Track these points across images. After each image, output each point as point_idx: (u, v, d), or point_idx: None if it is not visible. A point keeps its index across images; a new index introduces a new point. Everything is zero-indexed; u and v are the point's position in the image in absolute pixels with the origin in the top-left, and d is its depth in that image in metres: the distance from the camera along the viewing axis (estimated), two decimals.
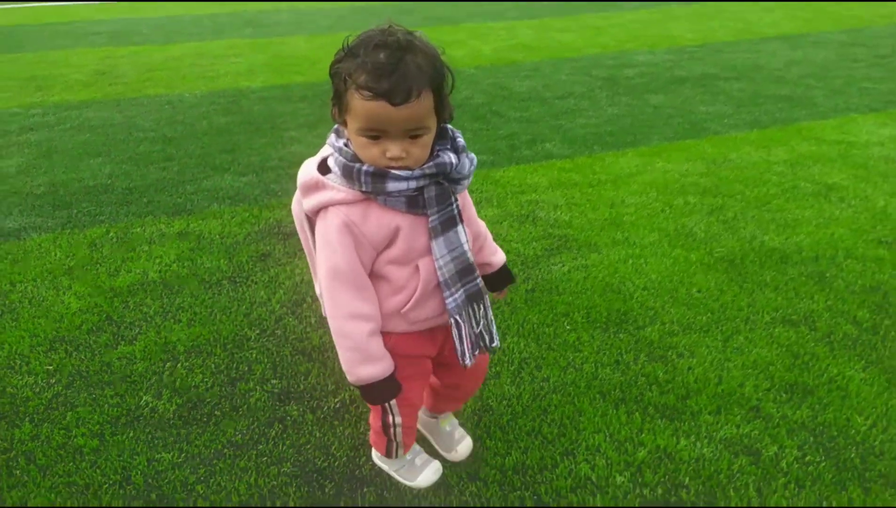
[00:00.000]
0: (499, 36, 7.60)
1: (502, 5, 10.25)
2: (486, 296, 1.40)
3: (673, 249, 2.70)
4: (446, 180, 1.26)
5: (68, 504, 1.57)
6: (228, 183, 3.49)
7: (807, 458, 1.66)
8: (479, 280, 1.38)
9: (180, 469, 1.66)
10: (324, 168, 1.25)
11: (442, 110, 1.19)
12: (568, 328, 2.19)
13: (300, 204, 1.30)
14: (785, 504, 1.53)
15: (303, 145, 4.05)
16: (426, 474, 1.61)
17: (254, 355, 2.09)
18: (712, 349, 2.08)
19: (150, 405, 1.88)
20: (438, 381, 1.61)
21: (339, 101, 1.17)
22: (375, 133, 1.15)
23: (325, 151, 1.27)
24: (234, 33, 8.17)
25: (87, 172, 3.69)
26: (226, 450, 1.72)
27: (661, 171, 3.51)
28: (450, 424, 1.73)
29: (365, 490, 1.61)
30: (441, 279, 1.31)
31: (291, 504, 1.56)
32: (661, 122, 4.36)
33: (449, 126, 1.28)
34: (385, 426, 1.49)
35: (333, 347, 2.05)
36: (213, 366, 2.04)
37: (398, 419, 1.47)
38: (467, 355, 1.36)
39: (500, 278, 1.57)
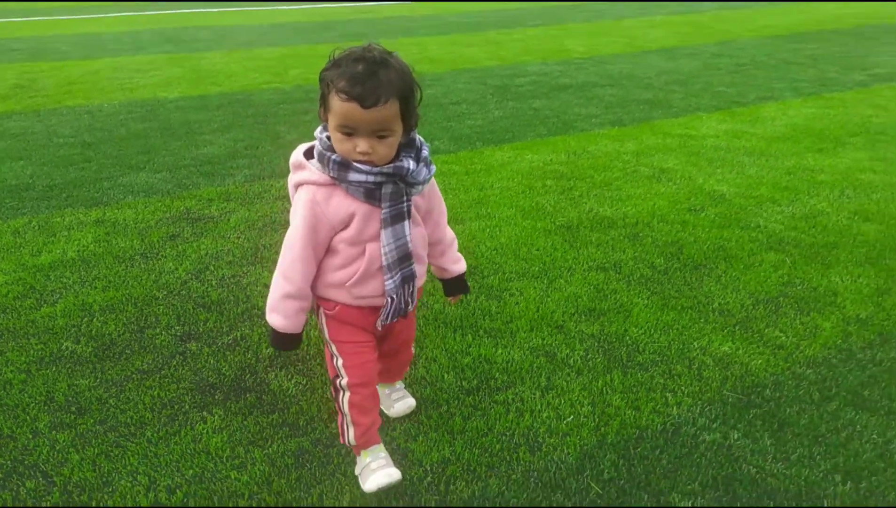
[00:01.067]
0: (409, 51, 8.15)
1: (416, 22, 10.83)
2: (416, 278, 1.60)
3: (524, 220, 3.25)
4: (402, 182, 1.46)
5: None
6: (143, 179, 3.86)
7: (588, 356, 2.20)
8: (414, 266, 1.58)
9: (96, 390, 2.06)
10: (309, 155, 1.48)
11: (408, 118, 1.41)
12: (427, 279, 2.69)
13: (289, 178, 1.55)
14: (564, 384, 2.06)
15: (216, 147, 4.44)
16: (378, 476, 1.64)
17: (161, 309, 2.50)
18: (538, 289, 2.62)
19: (70, 349, 2.26)
20: (382, 356, 1.77)
21: (324, 101, 1.40)
22: (349, 130, 1.37)
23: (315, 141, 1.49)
24: (154, 49, 8.43)
25: (10, 173, 3.98)
26: (134, 376, 2.13)
27: (529, 161, 4.09)
28: (389, 388, 1.96)
29: (247, 395, 2.04)
30: (384, 263, 1.52)
31: (199, 422, 1.99)
32: (538, 122, 4.96)
33: (419, 138, 1.51)
34: (335, 390, 1.66)
35: (230, 300, 2.49)
36: (124, 319, 2.44)
37: (345, 380, 1.62)
38: (388, 317, 1.59)
39: (455, 286, 1.78)
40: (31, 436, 1.86)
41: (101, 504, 1.63)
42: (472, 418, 1.93)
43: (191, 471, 1.73)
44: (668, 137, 4.53)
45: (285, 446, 1.82)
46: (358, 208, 1.46)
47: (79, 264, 2.85)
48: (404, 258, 1.55)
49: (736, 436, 1.83)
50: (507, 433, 1.86)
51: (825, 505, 1.61)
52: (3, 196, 3.62)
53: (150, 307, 2.51)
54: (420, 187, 1.51)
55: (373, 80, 1.33)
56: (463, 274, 1.79)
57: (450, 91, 5.99)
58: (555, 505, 1.62)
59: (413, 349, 1.91)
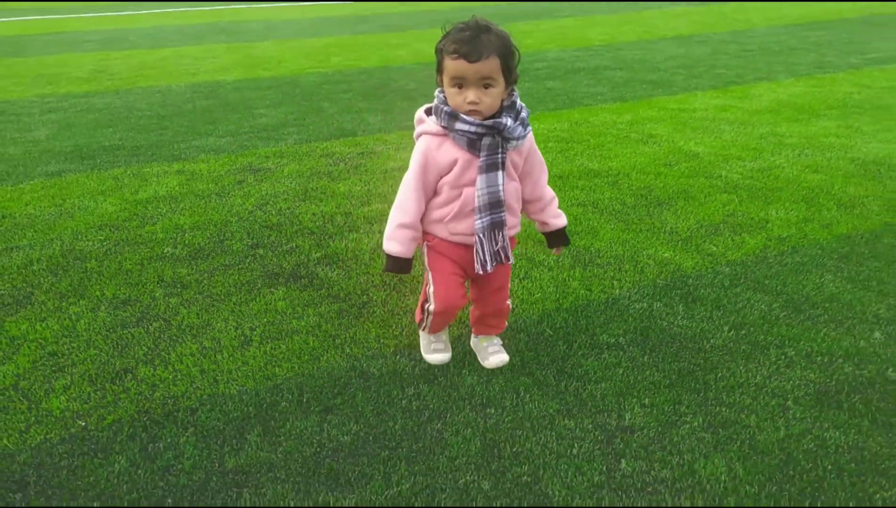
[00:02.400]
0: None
1: (447, 14, 11.51)
2: (505, 225, 1.86)
3: None
4: (499, 136, 1.74)
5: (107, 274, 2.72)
6: (211, 142, 4.64)
7: (559, 260, 2.86)
8: (504, 214, 1.84)
9: (192, 275, 2.81)
10: (428, 113, 1.82)
11: (508, 73, 1.70)
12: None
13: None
14: (537, 275, 2.73)
15: (269, 119, 5.21)
16: (433, 356, 2.14)
17: (234, 228, 3.26)
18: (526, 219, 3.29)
19: (170, 252, 3.03)
20: (474, 299, 2.11)
21: (439, 66, 1.73)
22: (459, 81, 1.68)
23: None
24: (211, 40, 9.30)
25: (102, 137, 4.82)
26: (219, 268, 2.88)
27: (536, 128, 4.73)
28: (487, 340, 2.17)
29: (302, 280, 2.77)
30: (477, 204, 1.80)
31: (269, 294, 2.72)
32: (549, 98, 5.61)
33: (521, 102, 1.79)
34: (424, 306, 2.05)
35: (286, 223, 3.22)
36: (208, 234, 3.20)
37: (432, 307, 1.97)
38: (488, 263, 1.86)
39: (556, 238, 2.04)
40: (150, 300, 2.62)
41: (205, 340, 2.38)
42: None
43: (265, 319, 2.47)
44: (663, 111, 5.13)
45: (329, 307, 2.54)
46: (461, 155, 1.77)
47: (168, 199, 3.63)
48: (495, 204, 1.81)
49: (658, 305, 2.48)
50: None
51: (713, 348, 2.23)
52: (101, 153, 4.44)
53: (227, 227, 3.27)
54: (515, 143, 1.78)
55: (476, 40, 1.65)
56: (563, 228, 2.03)
57: None
58: (520, 345, 2.30)
59: (509, 303, 2.15)
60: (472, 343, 2.21)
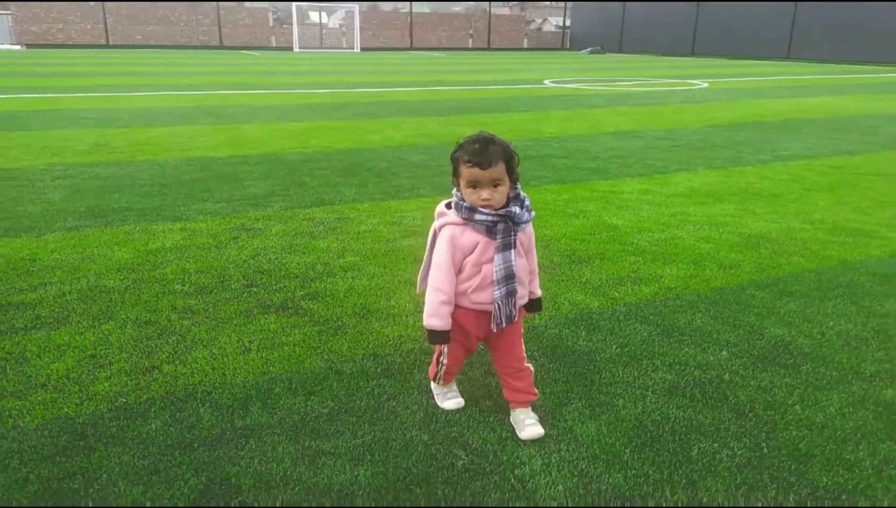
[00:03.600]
0: (410, 127, 9.88)
1: (419, 105, 12.66)
2: (517, 294, 2.24)
3: None
4: (511, 222, 2.14)
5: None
6: (208, 207, 5.38)
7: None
8: (516, 284, 2.21)
9: (200, 304, 3.47)
10: (447, 207, 2.23)
11: (512, 173, 2.12)
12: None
13: (434, 225, 2.24)
14: None
15: (258, 189, 5.99)
16: (449, 403, 2.51)
17: (232, 272, 3.94)
18: None
19: (179, 288, 3.70)
20: (496, 365, 2.45)
21: (455, 172, 2.14)
22: (474, 183, 2.09)
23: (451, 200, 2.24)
24: (200, 121, 10.20)
25: (111, 200, 5.52)
26: (221, 299, 3.55)
27: None
28: (523, 413, 2.40)
29: (289, 311, 3.45)
30: (495, 278, 2.18)
31: (262, 318, 3.40)
32: None
33: (523, 194, 2.20)
34: (438, 360, 2.44)
35: (276, 270, 3.92)
36: (210, 276, 3.87)
37: (445, 360, 2.41)
38: (503, 323, 2.24)
39: (533, 305, 2.44)
40: (167, 322, 3.27)
41: (213, 348, 3.04)
42: None
43: (261, 335, 3.14)
44: (595, 193, 6.06)
45: (311, 329, 3.22)
46: (480, 239, 2.16)
47: (174, 250, 4.32)
48: (510, 277, 2.20)
49: (566, 331, 3.22)
50: None
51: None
52: (111, 213, 5.14)
53: (226, 271, 3.97)
54: (523, 226, 2.19)
55: (486, 151, 2.07)
56: (539, 299, 2.46)
57: (437, 158, 7.60)
58: None
59: (530, 367, 2.45)
60: (510, 419, 2.45)
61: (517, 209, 2.16)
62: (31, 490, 2.06)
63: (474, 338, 2.38)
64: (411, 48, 49.23)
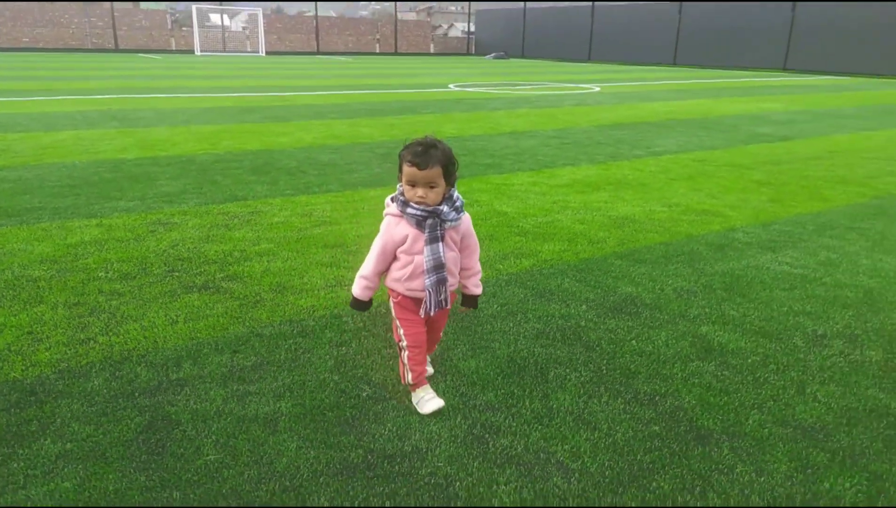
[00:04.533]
0: (318, 130, 10.25)
1: (327, 109, 13.03)
2: (447, 282, 2.46)
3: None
4: (438, 218, 2.35)
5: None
6: (122, 205, 5.61)
7: None
8: (445, 273, 2.42)
9: (127, 287, 3.80)
10: (392, 200, 2.45)
11: (448, 177, 2.33)
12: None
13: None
14: None
15: (171, 187, 6.24)
16: (429, 405, 2.56)
17: (154, 260, 4.27)
18: None
19: (103, 275, 4.00)
20: None
21: (399, 168, 2.33)
22: (411, 182, 2.30)
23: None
24: (105, 125, 10.15)
25: (22, 201, 5.64)
26: (145, 284, 3.89)
27: (379, 197, 6.12)
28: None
29: (210, 290, 3.84)
30: (425, 267, 2.40)
31: (185, 297, 3.77)
32: None
33: (458, 195, 2.41)
34: (400, 348, 2.58)
35: (194, 258, 4.29)
36: (132, 265, 4.19)
37: (404, 343, 2.55)
38: (432, 310, 2.46)
39: (469, 300, 2.64)
40: (96, 303, 3.59)
41: (143, 321, 3.40)
42: None
43: (186, 311, 3.52)
44: (489, 185, 6.71)
45: (232, 303, 3.63)
46: (411, 232, 2.39)
47: (94, 243, 4.58)
48: (438, 267, 2.42)
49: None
50: None
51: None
52: (25, 213, 5.29)
53: (147, 260, 4.29)
54: (450, 223, 2.39)
55: (426, 154, 2.28)
56: (477, 296, 2.64)
57: (346, 157, 8.06)
58: None
59: (441, 335, 2.85)
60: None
61: (445, 208, 2.38)
62: None
63: (420, 320, 2.59)
64: (318, 52, 49.06)
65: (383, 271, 2.55)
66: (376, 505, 2.09)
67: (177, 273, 4.07)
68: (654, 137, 10.26)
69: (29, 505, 2.05)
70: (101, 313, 3.46)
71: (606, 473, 2.26)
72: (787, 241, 4.94)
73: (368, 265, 2.51)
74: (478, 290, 2.65)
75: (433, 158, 2.30)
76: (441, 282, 2.46)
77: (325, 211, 5.57)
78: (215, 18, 56.78)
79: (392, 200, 2.48)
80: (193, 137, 9.22)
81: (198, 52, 42.44)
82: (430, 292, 2.46)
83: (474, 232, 2.59)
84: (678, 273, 4.23)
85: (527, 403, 2.69)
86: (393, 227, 2.44)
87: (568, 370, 2.97)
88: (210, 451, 2.33)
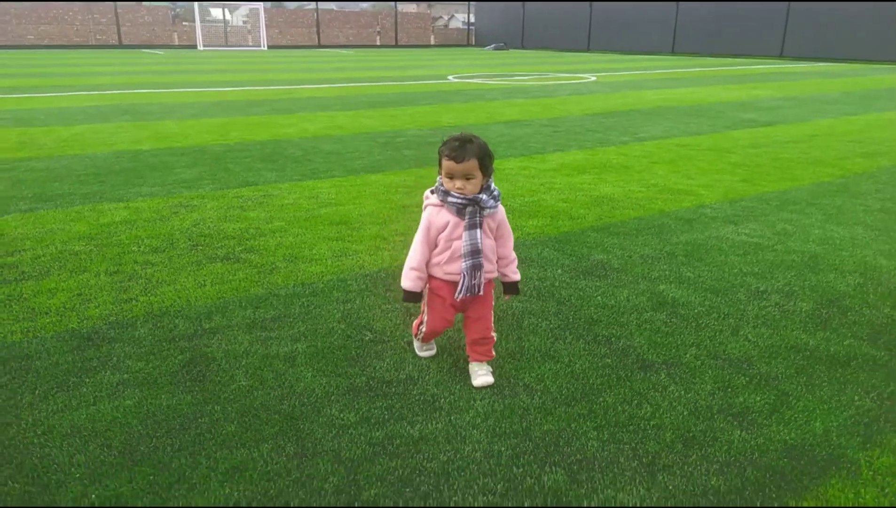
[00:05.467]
0: (322, 121, 10.76)
1: (331, 101, 13.52)
2: (483, 268, 2.61)
3: (384, 203, 5.73)
4: (477, 206, 2.52)
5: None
6: (145, 190, 6.14)
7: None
8: (481, 258, 2.58)
9: (157, 260, 4.33)
10: (431, 193, 2.62)
11: (484, 169, 2.50)
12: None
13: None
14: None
15: (188, 175, 6.76)
16: (424, 353, 2.98)
17: (178, 237, 4.79)
18: (375, 226, 5.07)
19: (136, 249, 4.53)
20: (465, 328, 2.82)
21: (439, 162, 2.51)
22: (450, 175, 2.48)
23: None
24: (118, 119, 10.68)
25: (53, 188, 6.16)
26: (173, 256, 4.42)
27: (391, 181, 6.63)
28: (478, 366, 2.81)
29: (236, 262, 4.37)
30: (463, 252, 2.56)
31: (207, 267, 4.30)
32: (405, 161, 7.57)
33: (494, 186, 2.57)
34: (419, 327, 2.89)
35: (214, 234, 4.84)
36: (160, 241, 4.72)
37: (424, 328, 2.84)
38: (462, 292, 2.60)
39: (510, 288, 2.80)
40: (132, 271, 4.11)
41: (176, 285, 3.92)
42: None
43: (212, 276, 4.04)
44: None
45: (251, 270, 4.16)
46: (451, 219, 2.57)
47: (124, 223, 5.11)
48: (475, 252, 2.57)
49: None
50: None
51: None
52: (57, 198, 5.83)
53: (173, 236, 4.81)
54: (487, 211, 2.56)
55: (462, 148, 2.45)
56: (516, 282, 2.78)
57: (349, 146, 8.57)
58: None
59: (494, 335, 2.84)
60: (469, 369, 2.88)
61: (484, 197, 2.56)
62: (64, 369, 2.93)
63: (451, 309, 2.75)
64: (319, 46, 49.46)
65: (429, 260, 2.69)
66: (377, 418, 2.61)
67: (200, 247, 4.59)
68: (642, 124, 10.73)
69: (99, 418, 2.58)
70: (138, 279, 4.00)
71: (563, 392, 2.78)
72: (749, 215, 5.45)
73: (416, 256, 2.66)
74: (516, 276, 2.80)
75: (469, 152, 2.47)
76: (476, 267, 2.61)
77: (331, 194, 6.09)
78: (216, 13, 57.18)
79: (432, 192, 2.65)
80: (204, 129, 9.73)
81: (200, 47, 42.90)
82: (465, 274, 2.61)
83: (508, 222, 2.75)
84: (646, 243, 4.74)
85: (503, 344, 3.20)
86: (435, 215, 2.61)
87: (540, 320, 3.48)
88: (242, 379, 2.86)
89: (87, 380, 2.84)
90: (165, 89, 15.70)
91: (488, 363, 2.88)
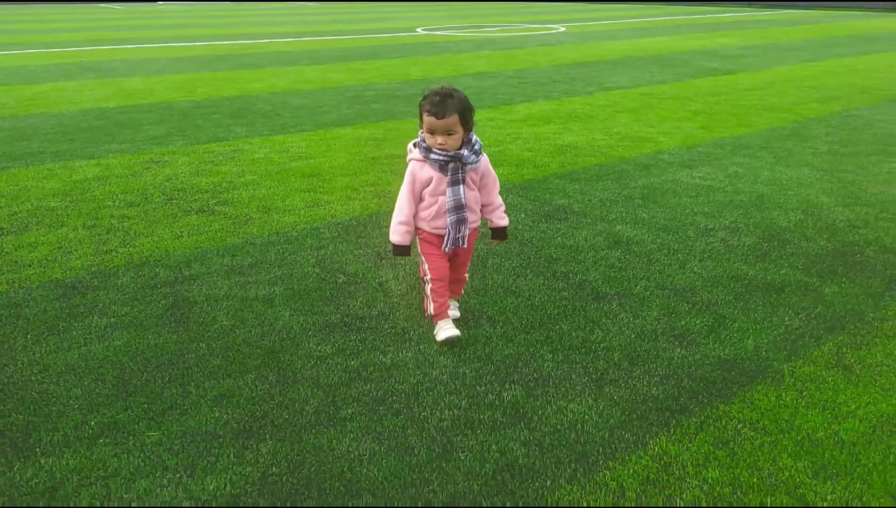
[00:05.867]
0: (290, 76, 10.70)
1: (298, 55, 13.39)
2: (467, 222, 2.67)
3: (354, 153, 5.86)
4: (459, 162, 2.55)
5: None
6: (115, 147, 6.17)
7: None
8: (465, 212, 2.62)
9: (134, 214, 4.45)
10: (414, 146, 2.64)
11: (465, 124, 2.50)
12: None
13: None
14: None
15: (157, 131, 6.78)
16: (445, 334, 2.73)
17: (152, 191, 4.89)
18: (347, 178, 5.22)
19: (111, 204, 4.63)
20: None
21: (420, 118, 2.52)
22: (431, 130, 2.49)
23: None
24: (82, 77, 10.50)
25: (21, 147, 6.17)
26: (149, 209, 4.53)
27: (360, 133, 6.73)
28: (450, 301, 2.96)
29: (216, 209, 4.50)
30: (447, 207, 2.61)
31: (186, 219, 4.43)
32: (372, 115, 7.65)
33: (476, 138, 2.59)
34: (424, 281, 2.79)
35: (183, 187, 4.96)
36: (135, 195, 4.82)
37: (429, 277, 2.75)
38: (448, 246, 2.69)
39: (498, 233, 2.87)
40: (109, 225, 4.23)
41: (153, 236, 4.06)
42: None
43: (188, 227, 4.18)
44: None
45: (226, 221, 4.30)
46: (435, 175, 2.59)
47: (97, 179, 5.19)
48: (459, 207, 2.63)
49: None
50: None
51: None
52: (27, 156, 5.85)
53: (147, 191, 4.91)
54: (469, 166, 2.60)
55: (443, 103, 2.45)
56: (504, 228, 2.84)
57: (317, 100, 8.60)
58: None
59: (466, 277, 3.05)
60: None
61: (466, 152, 2.57)
62: (52, 315, 3.09)
63: (444, 255, 2.80)
64: None
65: (415, 213, 2.73)
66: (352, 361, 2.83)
67: (175, 201, 4.71)
68: (608, 74, 10.88)
69: (91, 357, 2.76)
70: (116, 231, 4.12)
71: (523, 321, 3.03)
72: (704, 160, 5.70)
73: (403, 210, 2.70)
74: (503, 222, 2.86)
75: (450, 107, 2.47)
76: (461, 221, 2.69)
77: (301, 148, 6.19)
78: None
79: (415, 145, 2.66)
80: (169, 86, 9.65)
81: (160, 1, 41.46)
82: (450, 229, 2.69)
83: (493, 170, 2.78)
84: (606, 188, 4.97)
85: (468, 282, 3.43)
86: (418, 170, 2.64)
87: (503, 260, 3.71)
88: (223, 319, 3.05)
89: (76, 324, 3.01)
90: (128, 45, 15.35)
91: (457, 299, 3.09)
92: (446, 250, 2.74)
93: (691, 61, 12.37)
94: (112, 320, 3.05)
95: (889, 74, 10.67)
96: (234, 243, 3.95)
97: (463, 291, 3.12)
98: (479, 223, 2.84)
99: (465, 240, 2.75)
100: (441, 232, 2.72)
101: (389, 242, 2.79)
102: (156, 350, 2.80)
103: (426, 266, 2.80)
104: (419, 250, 2.86)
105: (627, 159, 5.75)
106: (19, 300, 3.23)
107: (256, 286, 3.38)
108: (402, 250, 2.76)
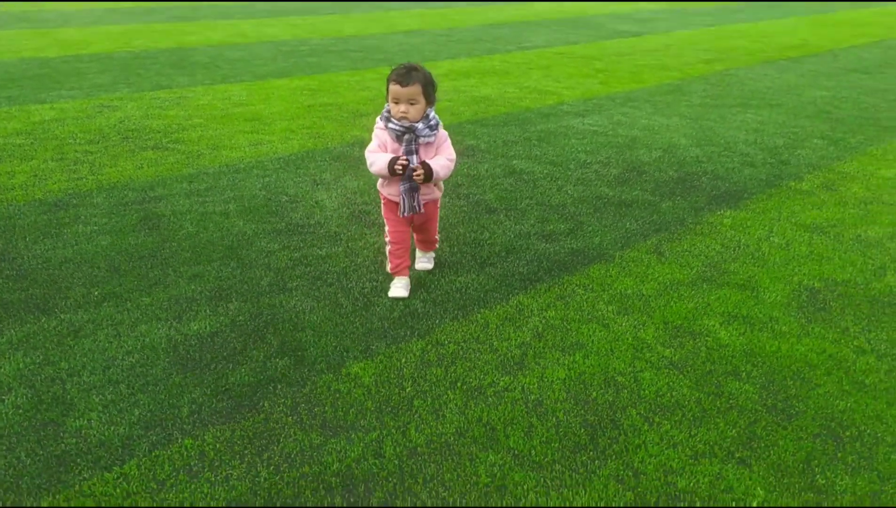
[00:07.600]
0: (225, 29, 11.07)
1: (233, 9, 13.64)
2: (419, 190, 2.86)
3: (292, 103, 6.52)
4: (413, 134, 2.75)
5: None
6: (65, 93, 6.62)
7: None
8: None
9: (94, 150, 5.04)
10: (380, 118, 2.85)
11: (427, 95, 2.72)
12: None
13: None
14: None
15: (103, 79, 7.22)
16: (395, 292, 3.05)
17: (108, 132, 5.47)
18: (301, 137, 5.91)
19: (72, 142, 5.19)
20: (415, 232, 3.20)
21: (387, 88, 2.73)
22: (396, 99, 2.70)
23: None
24: (14, 26, 10.59)
25: None
26: (109, 146, 5.13)
27: (297, 85, 7.36)
28: (422, 254, 3.37)
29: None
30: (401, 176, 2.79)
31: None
32: (307, 67, 8.25)
33: (434, 115, 2.78)
34: (385, 243, 3.13)
35: (143, 128, 5.55)
36: (93, 135, 5.38)
37: (387, 239, 3.07)
38: (405, 212, 2.88)
39: (425, 165, 2.81)
40: (74, 160, 4.82)
41: (113, 172, 4.69)
42: None
43: (147, 162, 4.83)
44: (379, 74, 8.04)
45: (185, 157, 4.96)
46: (391, 144, 2.83)
47: (55, 121, 5.70)
48: (410, 176, 2.82)
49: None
50: None
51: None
52: None
53: (103, 132, 5.47)
54: (424, 139, 2.79)
55: (408, 74, 2.70)
56: (431, 170, 2.82)
57: (254, 53, 9.11)
58: None
59: (437, 238, 3.32)
60: (415, 255, 3.40)
61: (420, 126, 2.79)
62: (43, 224, 3.75)
63: (403, 220, 3.02)
64: None
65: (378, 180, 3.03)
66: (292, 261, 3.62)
67: (131, 139, 5.32)
68: (529, 34, 11.73)
69: (83, 253, 3.46)
70: (83, 163, 4.73)
71: None
72: (596, 110, 6.67)
73: (371, 146, 2.90)
74: (433, 164, 2.87)
75: (414, 78, 2.71)
76: (413, 189, 2.88)
77: (242, 96, 6.81)
78: None
79: (381, 118, 2.89)
80: (106, 37, 9.92)
81: None
82: (403, 197, 2.90)
83: (451, 147, 2.96)
84: (510, 132, 5.86)
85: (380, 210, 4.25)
86: (381, 133, 2.88)
87: (447, 200, 4.55)
88: (189, 226, 3.79)
89: (65, 231, 3.68)
90: None
91: (429, 253, 3.44)
92: (403, 214, 2.95)
93: (606, 24, 13.35)
94: (95, 228, 3.74)
95: (775, 38, 11.93)
96: (190, 172, 4.63)
97: (436, 247, 3.43)
98: (436, 197, 3.11)
99: (421, 207, 2.96)
100: (395, 199, 2.96)
101: (371, 174, 3.07)
102: (137, 248, 3.52)
103: (386, 229, 3.11)
104: (382, 213, 3.15)
105: (532, 109, 6.65)
106: (11, 214, 3.87)
107: (213, 204, 4.11)
108: (392, 161, 2.82)
